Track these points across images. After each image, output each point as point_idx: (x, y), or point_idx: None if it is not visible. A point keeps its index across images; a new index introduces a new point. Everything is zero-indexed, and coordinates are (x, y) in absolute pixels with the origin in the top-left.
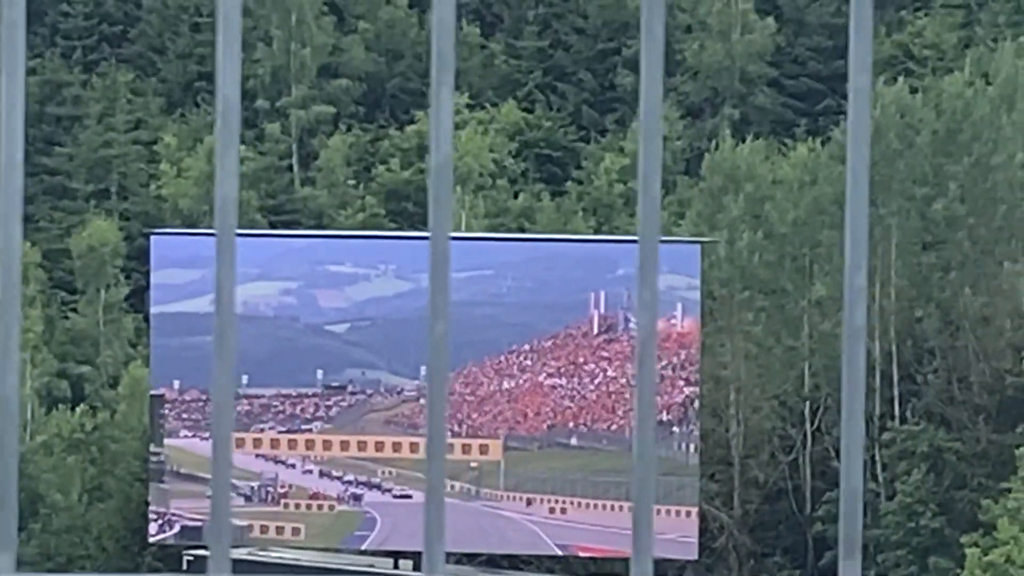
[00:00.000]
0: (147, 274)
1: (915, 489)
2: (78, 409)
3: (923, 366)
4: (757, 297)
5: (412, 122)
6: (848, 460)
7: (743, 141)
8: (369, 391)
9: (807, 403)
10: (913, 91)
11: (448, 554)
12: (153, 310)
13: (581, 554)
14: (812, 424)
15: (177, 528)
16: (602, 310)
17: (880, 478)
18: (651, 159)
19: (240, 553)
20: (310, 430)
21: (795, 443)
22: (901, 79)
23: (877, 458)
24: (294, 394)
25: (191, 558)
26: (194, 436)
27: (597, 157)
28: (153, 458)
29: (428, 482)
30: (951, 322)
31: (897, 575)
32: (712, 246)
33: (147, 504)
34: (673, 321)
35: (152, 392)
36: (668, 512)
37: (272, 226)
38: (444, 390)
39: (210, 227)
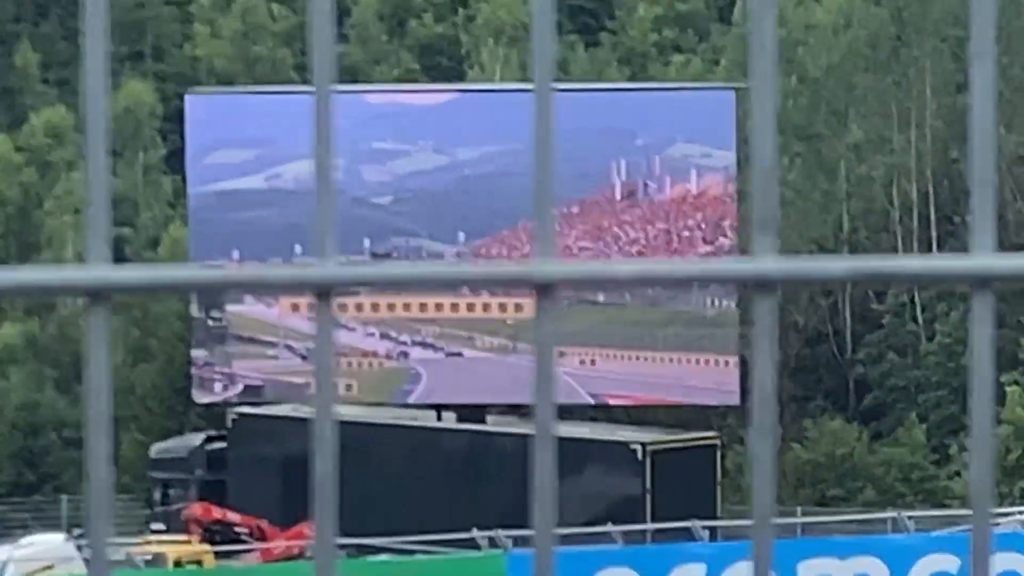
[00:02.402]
0: (182, 135)
1: (954, 329)
2: None
3: (960, 207)
4: (792, 142)
5: None
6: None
7: None
8: (412, 256)
9: (845, 246)
10: None
11: (490, 405)
12: (190, 171)
13: (611, 402)
14: None
15: (240, 387)
16: (623, 178)
17: (919, 319)
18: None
19: (283, 410)
20: (359, 293)
21: (834, 287)
22: None
23: (916, 300)
24: (345, 261)
25: (235, 416)
26: (256, 302)
27: (630, 6)
28: (214, 322)
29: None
30: None
31: (938, 415)
32: (746, 93)
33: (190, 364)
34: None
35: (211, 262)
36: (708, 362)
37: (307, 83)
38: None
39: (244, 85)
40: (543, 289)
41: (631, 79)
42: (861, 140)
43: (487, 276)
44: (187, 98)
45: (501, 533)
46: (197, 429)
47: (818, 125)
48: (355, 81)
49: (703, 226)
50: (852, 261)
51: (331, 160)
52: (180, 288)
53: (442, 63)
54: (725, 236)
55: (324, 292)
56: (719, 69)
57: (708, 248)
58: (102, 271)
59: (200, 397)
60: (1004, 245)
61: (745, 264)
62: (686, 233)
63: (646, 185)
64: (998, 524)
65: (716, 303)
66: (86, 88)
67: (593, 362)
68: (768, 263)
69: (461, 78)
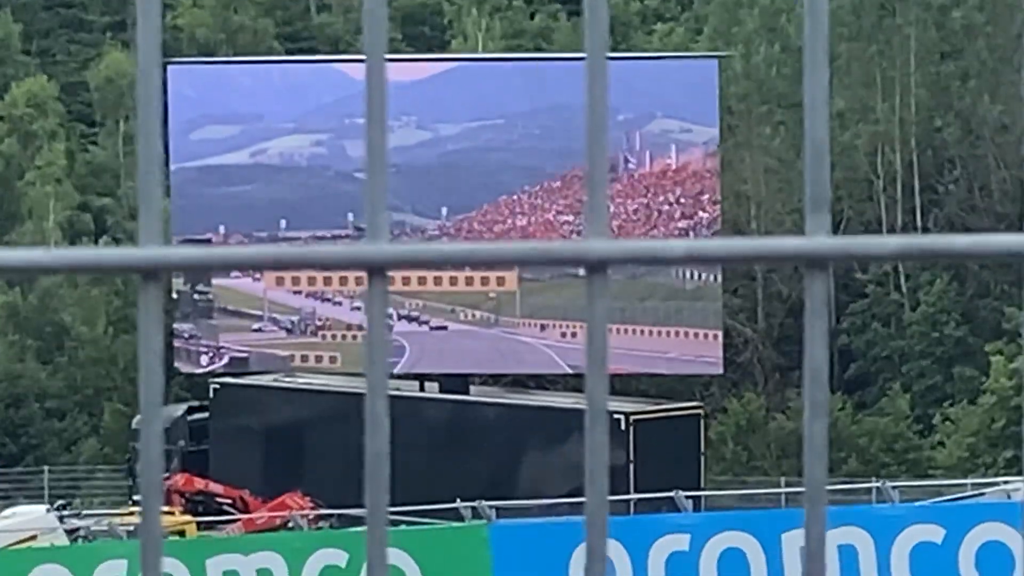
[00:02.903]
0: (165, 104)
1: (938, 299)
2: (101, 241)
3: (944, 175)
4: (776, 111)
5: None
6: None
7: None
8: (396, 231)
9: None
10: None
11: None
12: (172, 142)
13: None
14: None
15: (226, 359)
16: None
17: (903, 288)
18: None
19: (266, 380)
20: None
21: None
22: None
23: (900, 268)
24: (328, 235)
25: (217, 386)
26: (242, 276)
27: None
28: (199, 296)
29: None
30: (971, 131)
31: (922, 384)
32: (728, 61)
33: (172, 335)
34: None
35: (197, 237)
36: (694, 335)
37: (289, 53)
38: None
39: (226, 56)
40: (595, 267)
41: (614, 49)
42: (844, 109)
43: (540, 254)
44: (169, 69)
45: (484, 504)
46: (179, 400)
47: (801, 93)
48: (336, 51)
49: (682, 200)
50: (904, 239)
51: (384, 137)
52: (232, 266)
53: (425, 32)
54: (704, 211)
55: (377, 270)
56: (702, 38)
57: (687, 223)
58: (155, 250)
59: (186, 368)
60: (988, 214)
61: (799, 242)
62: (666, 207)
63: (626, 160)
64: (983, 494)
65: (698, 276)
66: (138, 73)
67: (575, 335)
68: (821, 241)
69: (444, 48)
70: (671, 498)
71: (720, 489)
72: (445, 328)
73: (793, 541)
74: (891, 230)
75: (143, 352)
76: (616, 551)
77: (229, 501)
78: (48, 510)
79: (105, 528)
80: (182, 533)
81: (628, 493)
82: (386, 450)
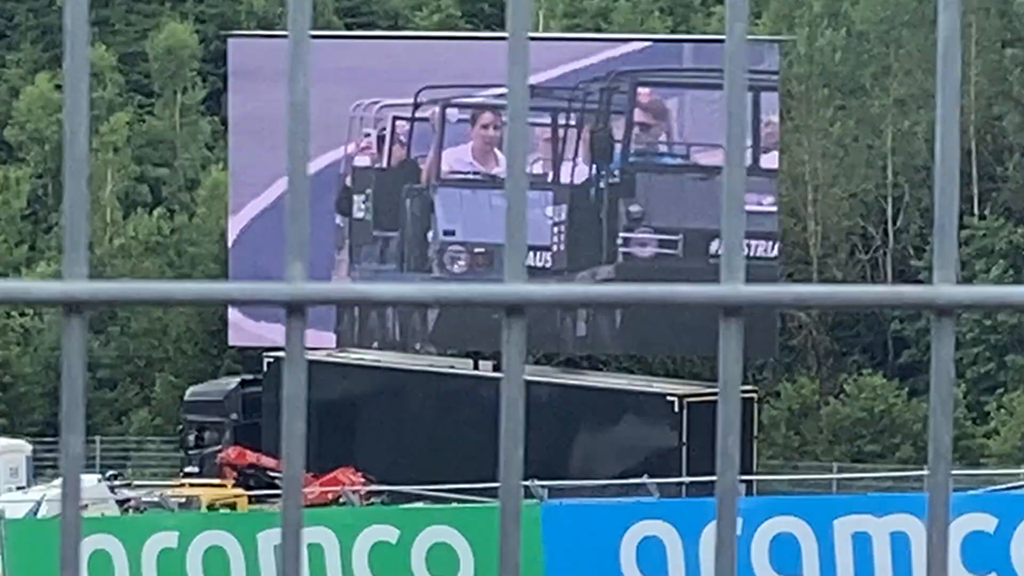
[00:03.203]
0: (224, 76)
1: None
2: (156, 212)
3: (1003, 163)
4: (836, 95)
5: None
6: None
7: None
8: None
9: (889, 200)
10: None
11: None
12: (232, 114)
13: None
14: (892, 222)
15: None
16: None
17: (958, 276)
18: None
19: (319, 355)
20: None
21: (875, 241)
22: None
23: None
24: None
25: (271, 360)
26: None
27: None
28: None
29: None
30: None
31: (975, 372)
32: (790, 44)
33: (225, 307)
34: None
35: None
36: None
37: (348, 28)
38: None
39: (286, 29)
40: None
41: (673, 30)
42: (905, 95)
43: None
44: (229, 42)
45: (537, 483)
46: (232, 373)
47: (863, 79)
48: (395, 27)
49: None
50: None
51: (305, 177)
52: (155, 302)
53: (484, 8)
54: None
55: (296, 308)
56: (762, 20)
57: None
58: (79, 285)
59: (237, 341)
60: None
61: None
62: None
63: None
64: None
65: (753, 255)
66: (65, 98)
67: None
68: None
69: (502, 25)
70: None
71: (772, 473)
72: None
73: (844, 527)
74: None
75: (65, 382)
76: (668, 533)
77: (281, 475)
78: (100, 480)
79: (156, 500)
80: (233, 506)
81: (681, 475)
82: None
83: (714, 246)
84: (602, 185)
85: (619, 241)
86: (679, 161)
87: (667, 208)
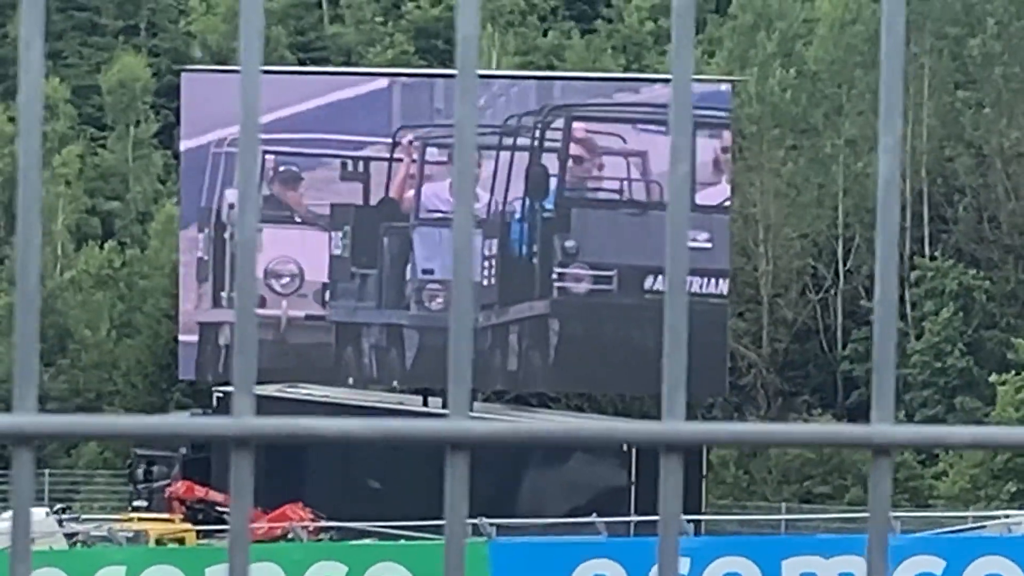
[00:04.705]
0: (177, 110)
1: (943, 328)
2: (107, 245)
3: (953, 205)
4: (788, 135)
5: None
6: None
7: None
8: None
9: (840, 240)
10: None
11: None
12: (183, 146)
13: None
14: (843, 263)
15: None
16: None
17: (909, 317)
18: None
19: (269, 390)
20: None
21: (826, 281)
22: None
23: (906, 297)
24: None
25: (220, 395)
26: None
27: None
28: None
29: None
30: (982, 161)
31: (923, 415)
32: (743, 84)
33: (176, 341)
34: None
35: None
36: (696, 353)
37: (300, 63)
38: None
39: (238, 64)
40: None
41: (627, 68)
42: (857, 136)
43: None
44: (182, 76)
45: (484, 521)
46: (182, 407)
47: (816, 119)
48: (348, 63)
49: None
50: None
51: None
52: (103, 436)
53: (437, 45)
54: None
55: (241, 441)
56: (715, 60)
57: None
58: (28, 418)
59: (186, 375)
60: (997, 245)
61: None
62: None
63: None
64: (984, 527)
65: (702, 295)
66: (16, 245)
67: None
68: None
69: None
70: None
71: (721, 513)
72: None
73: (793, 567)
74: (899, 259)
75: (15, 508)
76: (616, 573)
77: (229, 510)
78: (48, 514)
79: (104, 534)
80: (182, 541)
81: (629, 514)
82: None
83: (648, 282)
84: (536, 220)
85: (554, 276)
86: (614, 196)
87: (602, 243)
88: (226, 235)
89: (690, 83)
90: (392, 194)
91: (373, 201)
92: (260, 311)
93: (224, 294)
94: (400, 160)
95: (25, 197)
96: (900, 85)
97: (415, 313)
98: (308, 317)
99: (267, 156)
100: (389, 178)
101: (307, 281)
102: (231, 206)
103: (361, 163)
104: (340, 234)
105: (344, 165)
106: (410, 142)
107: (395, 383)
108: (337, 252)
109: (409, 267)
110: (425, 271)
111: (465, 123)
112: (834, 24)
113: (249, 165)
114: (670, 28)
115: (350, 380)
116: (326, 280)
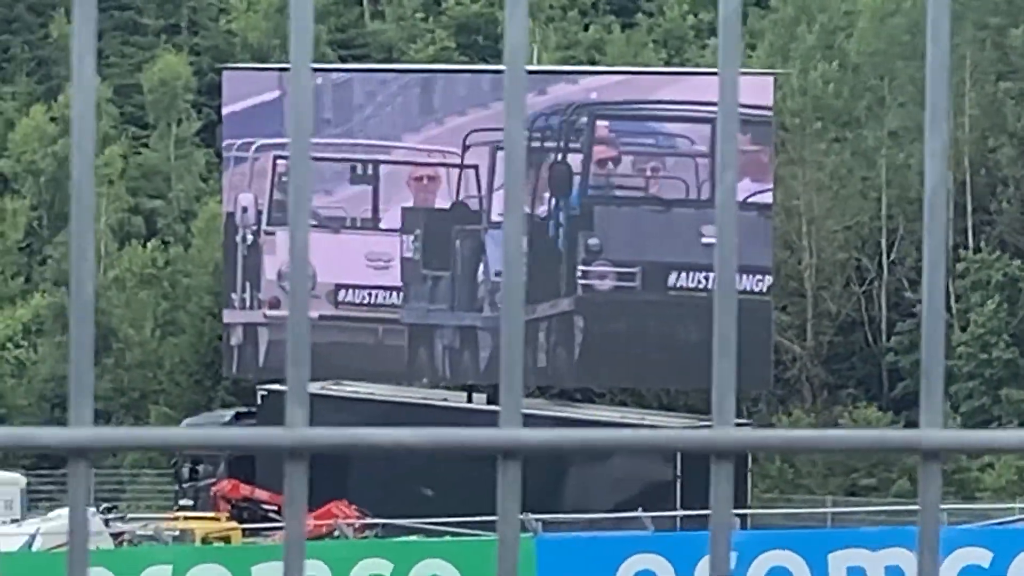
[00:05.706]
0: (218, 109)
1: (988, 319)
2: (150, 244)
3: (997, 196)
4: (830, 128)
5: None
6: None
7: None
8: None
9: (883, 232)
10: None
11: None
12: (225, 144)
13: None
14: (887, 255)
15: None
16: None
17: (953, 309)
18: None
19: (313, 388)
20: None
21: (869, 274)
22: None
23: (950, 289)
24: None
25: (264, 393)
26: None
27: None
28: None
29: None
30: None
31: (969, 406)
32: (785, 77)
33: (220, 339)
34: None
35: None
36: (740, 348)
37: (342, 60)
38: None
39: (280, 62)
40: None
41: (667, 63)
42: (899, 128)
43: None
44: (223, 74)
45: (531, 516)
46: (226, 405)
47: (858, 112)
48: (389, 60)
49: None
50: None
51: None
52: (156, 448)
53: (478, 41)
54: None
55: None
56: (756, 53)
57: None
58: (85, 431)
59: (230, 372)
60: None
61: None
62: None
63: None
64: None
65: (748, 290)
66: (71, 265)
67: None
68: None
69: (498, 57)
70: None
71: (766, 507)
72: None
73: (839, 561)
74: None
75: (72, 517)
76: (663, 568)
77: (275, 508)
78: (94, 513)
79: (150, 533)
80: (227, 539)
81: (675, 509)
82: None
83: (672, 278)
84: (561, 218)
85: (578, 274)
86: (637, 193)
87: (625, 240)
88: (237, 238)
89: (737, 90)
90: (462, 198)
91: (443, 204)
92: (275, 312)
93: (235, 296)
94: (474, 166)
95: (79, 211)
96: (946, 91)
97: (488, 315)
98: (321, 317)
99: (278, 161)
100: (460, 182)
101: (320, 283)
102: (244, 209)
103: (370, 166)
104: (411, 237)
105: (353, 168)
106: (482, 145)
107: (425, 380)
108: (408, 255)
109: (481, 269)
110: (498, 273)
111: (514, 135)
112: (875, 16)
113: (301, 167)
114: (711, 22)
115: (424, 380)
116: (338, 281)
